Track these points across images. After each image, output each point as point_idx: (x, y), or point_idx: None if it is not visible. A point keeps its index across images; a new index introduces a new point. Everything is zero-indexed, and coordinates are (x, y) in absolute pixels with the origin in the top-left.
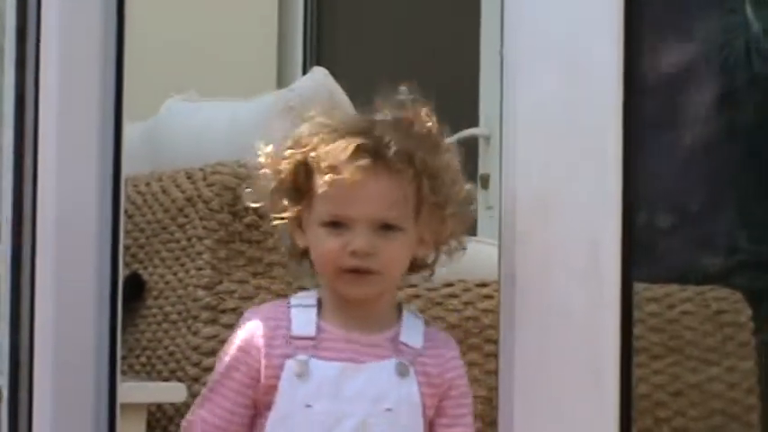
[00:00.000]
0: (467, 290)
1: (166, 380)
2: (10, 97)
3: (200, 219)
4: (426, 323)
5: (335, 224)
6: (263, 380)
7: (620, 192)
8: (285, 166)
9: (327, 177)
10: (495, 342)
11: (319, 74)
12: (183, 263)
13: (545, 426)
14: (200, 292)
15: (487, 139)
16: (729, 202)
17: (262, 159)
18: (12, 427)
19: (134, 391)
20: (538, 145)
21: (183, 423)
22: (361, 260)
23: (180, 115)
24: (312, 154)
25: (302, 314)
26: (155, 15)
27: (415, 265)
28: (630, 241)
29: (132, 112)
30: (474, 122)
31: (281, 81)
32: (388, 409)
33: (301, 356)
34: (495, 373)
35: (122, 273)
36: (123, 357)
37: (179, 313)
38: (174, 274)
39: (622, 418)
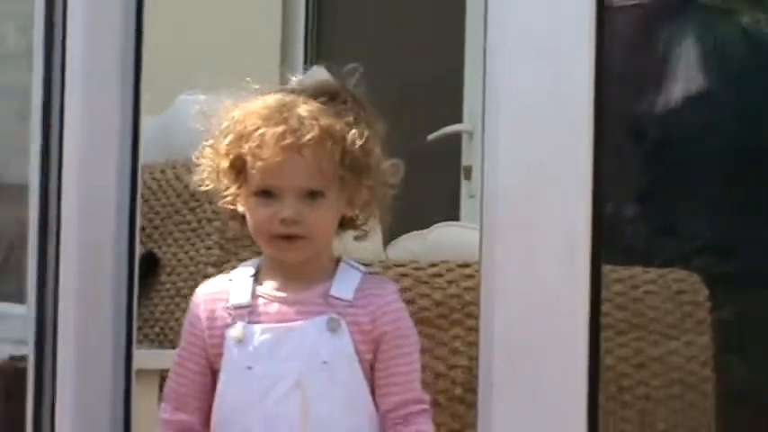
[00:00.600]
0: (450, 270)
1: (175, 342)
2: (38, 92)
3: (210, 203)
4: (365, 272)
5: (266, 194)
6: (209, 349)
7: (591, 183)
8: (223, 157)
9: (258, 163)
10: (476, 317)
11: (319, 72)
12: (193, 242)
13: (521, 393)
14: (210, 269)
15: (470, 134)
16: (689, 194)
17: (203, 157)
18: (37, 390)
19: (148, 357)
20: (518, 140)
21: (163, 393)
22: (288, 227)
23: (189, 109)
24: (244, 146)
25: (240, 285)
26: (165, 15)
27: (344, 224)
28: (600, 228)
29: (146, 106)
30: (458, 118)
31: (284, 78)
32: (324, 362)
33: (239, 324)
34: (476, 344)
35: (138, 251)
36: (139, 328)
37: (190, 288)
38: (186, 252)
39: (590, 387)
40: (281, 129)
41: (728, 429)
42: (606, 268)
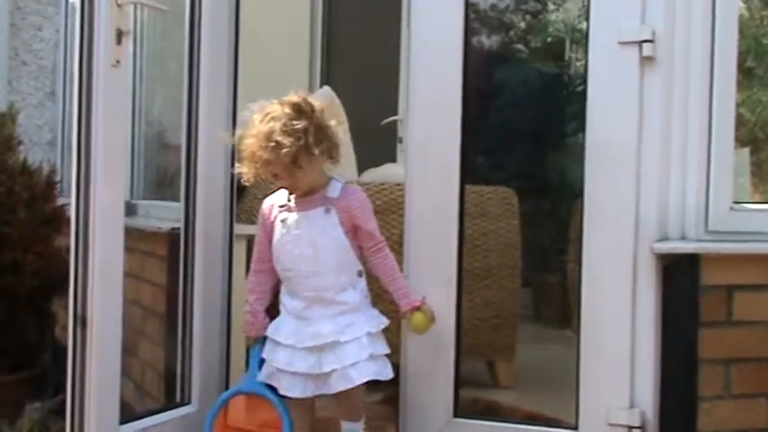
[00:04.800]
0: (390, 187)
1: (255, 224)
2: (185, 103)
3: None
4: (345, 183)
5: (275, 175)
6: (268, 228)
7: (460, 137)
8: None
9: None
10: (401, 210)
11: (327, 89)
12: None
13: (426, 253)
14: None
15: (401, 120)
16: (508, 149)
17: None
18: (185, 245)
19: (240, 229)
20: (421, 114)
21: (250, 272)
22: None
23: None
24: (255, 162)
25: (281, 195)
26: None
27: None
28: (465, 165)
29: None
30: (395, 112)
31: (310, 91)
32: (323, 229)
33: (283, 213)
34: (402, 224)
35: (235, 180)
36: (238, 214)
37: (261, 197)
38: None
39: (460, 248)
40: (266, 156)
41: (526, 261)
42: (467, 187)
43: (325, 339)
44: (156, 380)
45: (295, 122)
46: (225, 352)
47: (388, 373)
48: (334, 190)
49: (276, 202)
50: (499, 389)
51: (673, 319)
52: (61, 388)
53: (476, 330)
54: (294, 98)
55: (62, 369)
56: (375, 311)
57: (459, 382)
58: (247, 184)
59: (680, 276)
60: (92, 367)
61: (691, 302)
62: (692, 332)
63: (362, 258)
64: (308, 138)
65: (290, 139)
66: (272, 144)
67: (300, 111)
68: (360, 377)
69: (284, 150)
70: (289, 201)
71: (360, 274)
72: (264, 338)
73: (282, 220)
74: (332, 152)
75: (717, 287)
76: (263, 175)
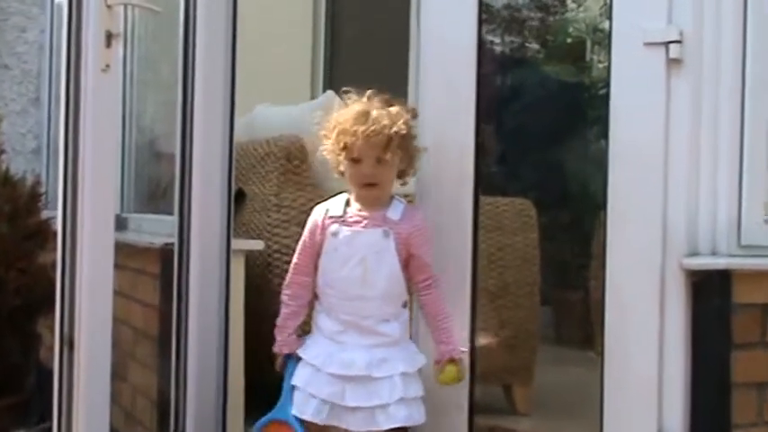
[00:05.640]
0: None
1: (254, 238)
2: (180, 108)
3: (271, 162)
4: (407, 204)
5: (355, 161)
6: (318, 238)
7: (474, 143)
8: (335, 141)
9: (354, 144)
10: None
11: (330, 94)
12: (263, 183)
13: (445, 261)
14: (272, 198)
15: None
16: (525, 160)
17: (325, 139)
18: (179, 263)
19: (238, 244)
20: (431, 120)
21: (285, 284)
22: (369, 180)
23: (263, 113)
24: (346, 135)
25: (336, 205)
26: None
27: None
28: (478, 173)
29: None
30: None
31: (313, 96)
32: (377, 252)
33: (335, 225)
34: None
35: (233, 187)
36: (235, 228)
37: (260, 208)
38: (259, 188)
39: (474, 265)
40: (363, 127)
41: (545, 277)
42: (481, 198)
43: (358, 371)
44: (149, 407)
45: (390, 108)
46: (222, 377)
47: (419, 418)
48: (395, 211)
49: (330, 210)
50: (517, 415)
51: (703, 339)
52: (47, 415)
53: (491, 352)
54: (383, 96)
55: (48, 394)
56: (413, 348)
57: (473, 408)
58: (329, 157)
59: (711, 294)
60: (79, 392)
61: (722, 322)
62: (724, 354)
63: (410, 289)
64: (402, 124)
65: (389, 119)
66: (372, 117)
67: (391, 105)
68: (387, 422)
69: (384, 123)
70: (345, 213)
71: (404, 305)
72: (297, 358)
73: (334, 233)
74: (413, 162)
75: (751, 306)
76: (348, 155)
